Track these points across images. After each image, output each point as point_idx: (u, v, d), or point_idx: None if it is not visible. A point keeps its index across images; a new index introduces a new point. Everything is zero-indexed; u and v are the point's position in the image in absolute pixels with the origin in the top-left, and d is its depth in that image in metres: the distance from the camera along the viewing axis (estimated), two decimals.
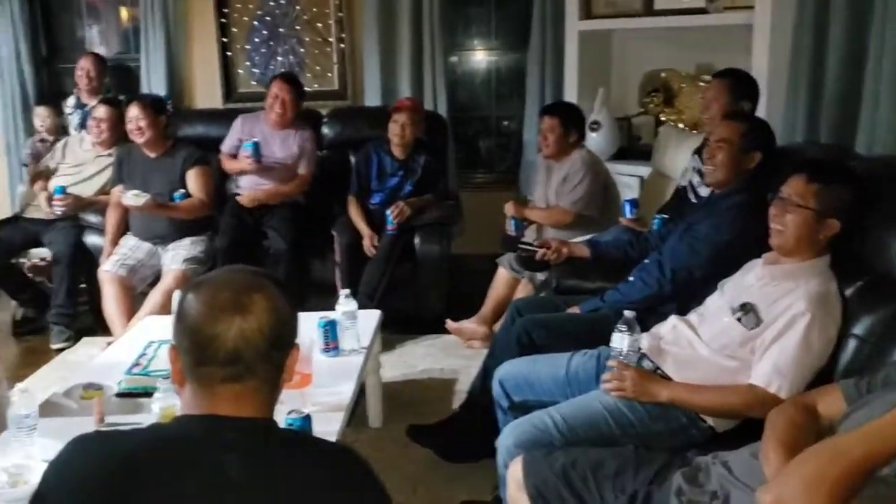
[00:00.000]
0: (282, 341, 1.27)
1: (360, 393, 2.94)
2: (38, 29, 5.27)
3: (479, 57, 5.49)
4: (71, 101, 4.90)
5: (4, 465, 1.98)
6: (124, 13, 5.48)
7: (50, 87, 5.28)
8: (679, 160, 3.71)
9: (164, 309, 3.57)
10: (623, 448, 1.94)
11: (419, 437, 2.89)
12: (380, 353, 3.27)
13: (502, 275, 3.94)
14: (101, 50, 5.24)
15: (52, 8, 5.37)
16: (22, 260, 4.37)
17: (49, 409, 2.32)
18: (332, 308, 2.89)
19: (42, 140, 4.73)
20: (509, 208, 3.91)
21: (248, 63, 5.18)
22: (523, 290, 3.75)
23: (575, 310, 2.74)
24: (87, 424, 2.19)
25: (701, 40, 4.38)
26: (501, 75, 5.46)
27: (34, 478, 1.90)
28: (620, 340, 2.18)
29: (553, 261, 3.17)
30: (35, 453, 2.01)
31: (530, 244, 3.34)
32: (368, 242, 4.03)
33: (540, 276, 3.55)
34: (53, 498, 1.20)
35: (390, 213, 4.03)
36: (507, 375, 2.44)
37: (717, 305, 2.22)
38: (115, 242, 4.09)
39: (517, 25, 5.17)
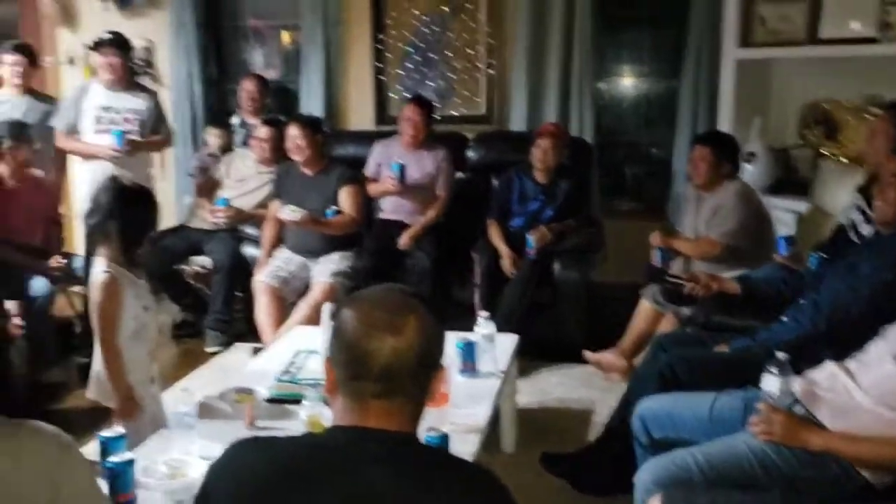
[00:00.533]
0: (430, 361, 1.30)
1: (495, 416, 2.95)
2: (209, 53, 5.65)
3: (629, 83, 5.42)
4: (235, 119, 5.22)
5: (165, 458, 2.12)
6: (286, 37, 5.80)
7: (218, 107, 5.64)
8: (840, 196, 3.52)
9: (312, 320, 3.72)
10: (768, 493, 1.85)
11: (552, 466, 2.86)
12: (516, 377, 3.27)
13: (645, 307, 3.85)
14: (263, 72, 5.56)
15: (222, 33, 5.75)
16: (184, 267, 4.69)
17: (204, 409, 2.45)
18: (469, 329, 2.92)
19: (210, 154, 5.06)
20: (655, 238, 3.82)
21: (399, 87, 5.35)
22: (667, 324, 3.65)
23: (723, 348, 2.64)
24: (238, 426, 2.31)
25: (869, 70, 4.14)
26: (651, 101, 5.36)
27: (192, 472, 2.03)
28: (772, 383, 2.09)
29: (701, 295, 3.07)
30: (193, 449, 2.15)
31: (678, 277, 3.25)
32: (509, 262, 4.06)
33: (685, 311, 3.45)
34: (215, 498, 1.28)
35: (531, 237, 4.04)
36: (647, 411, 2.38)
37: (879, 352, 2.08)
38: (270, 254, 4.31)
39: (670, 52, 5.07)
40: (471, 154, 4.80)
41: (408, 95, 5.18)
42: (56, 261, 3.96)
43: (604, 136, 5.18)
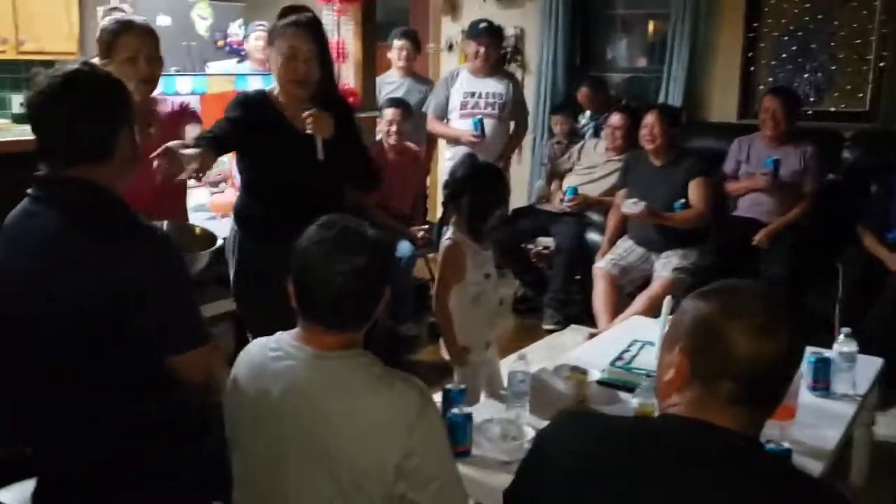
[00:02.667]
0: (791, 373, 1.23)
1: (845, 443, 2.65)
2: (575, 41, 5.77)
3: None
4: (587, 113, 5.30)
5: (498, 418, 2.23)
6: (652, 26, 5.72)
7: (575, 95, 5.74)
8: None
9: (649, 312, 3.65)
10: None
11: None
12: (875, 406, 2.91)
13: None
14: (627, 60, 5.54)
15: (590, 21, 5.83)
16: (530, 246, 4.91)
17: (536, 381, 2.52)
18: (819, 345, 2.65)
19: (557, 143, 5.20)
20: None
21: (770, 79, 5.00)
22: None
23: None
24: (567, 402, 2.35)
25: None
26: None
27: (523, 435, 2.11)
28: None
29: None
30: (524, 415, 2.23)
31: None
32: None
33: None
34: (545, 465, 1.30)
35: None
36: None
37: None
38: (612, 242, 4.32)
39: None
40: (846, 154, 4.35)
41: None
42: (420, 228, 4.37)
43: None
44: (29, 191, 1.69)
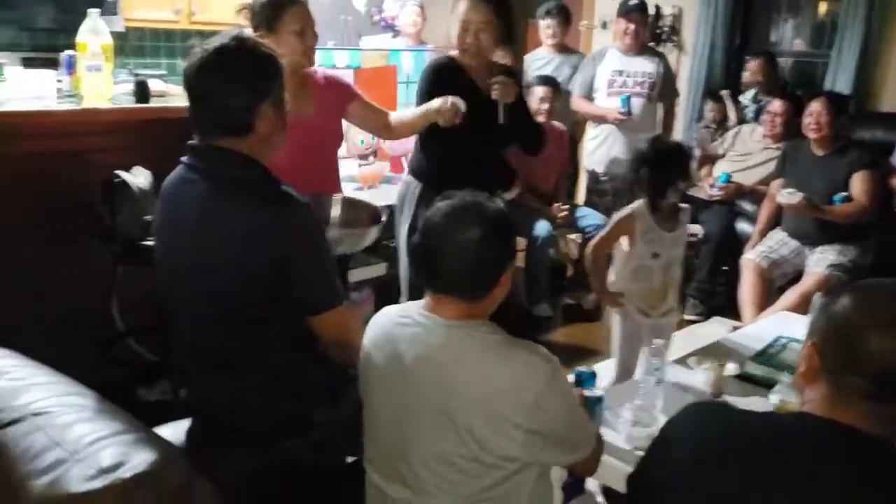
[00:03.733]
0: None
1: None
2: (735, 22, 5.51)
3: None
4: (749, 94, 5.05)
5: (630, 404, 2.21)
6: (822, 7, 5.38)
7: (736, 78, 5.49)
8: None
9: (800, 309, 3.48)
10: None
11: None
12: None
13: None
14: (791, 44, 5.25)
15: (753, 2, 5.55)
16: None
17: (672, 370, 2.48)
18: None
19: (706, 127, 5.00)
20: None
21: None
22: None
23: None
24: (703, 393, 2.30)
25: None
26: None
27: (653, 423, 2.08)
28: None
29: None
30: (657, 403, 2.20)
31: None
32: None
33: None
34: (670, 453, 1.29)
35: None
36: None
37: None
38: (763, 233, 4.14)
39: None
40: None
41: None
42: (560, 209, 4.34)
43: None
44: (184, 158, 1.78)
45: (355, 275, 3.45)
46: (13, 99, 2.85)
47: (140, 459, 1.10)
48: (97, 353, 2.88)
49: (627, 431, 2.08)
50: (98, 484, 1.06)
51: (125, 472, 1.08)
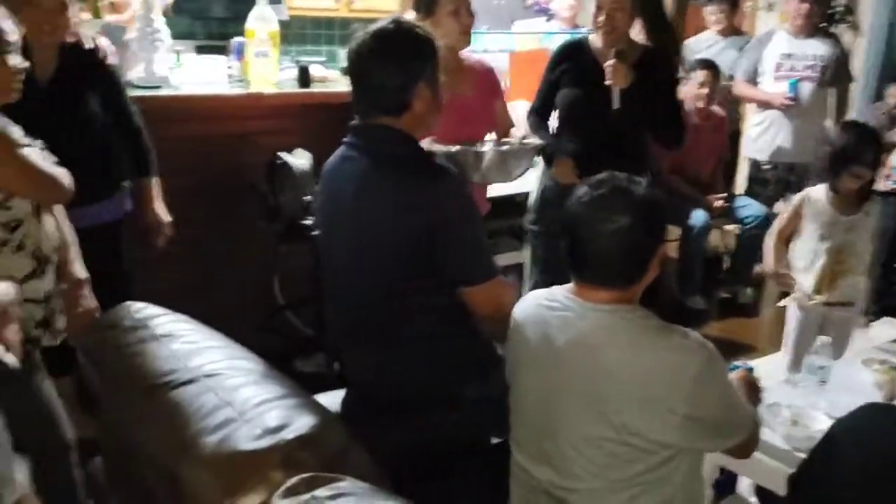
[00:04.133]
0: None
1: None
2: None
3: None
4: None
5: (789, 403, 2.10)
6: None
7: None
8: None
9: None
10: None
11: None
12: None
13: None
14: None
15: None
16: None
17: (838, 371, 2.32)
18: None
19: (883, 113, 4.63)
20: None
21: None
22: None
23: None
24: (874, 396, 2.15)
25: None
26: None
27: (814, 424, 1.97)
28: None
29: None
30: (820, 404, 2.08)
31: None
32: None
33: None
34: (838, 455, 1.22)
35: None
36: None
37: None
38: None
39: None
40: None
41: None
42: (717, 197, 4.17)
43: None
44: (345, 138, 1.86)
45: (503, 259, 3.46)
46: (187, 83, 3.05)
47: (302, 423, 1.15)
48: (258, 324, 3.04)
49: (786, 431, 1.98)
50: (264, 443, 1.12)
51: (288, 434, 1.13)
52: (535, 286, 2.90)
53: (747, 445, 1.62)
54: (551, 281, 1.71)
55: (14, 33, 1.86)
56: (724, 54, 4.57)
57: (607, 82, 2.78)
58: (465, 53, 2.77)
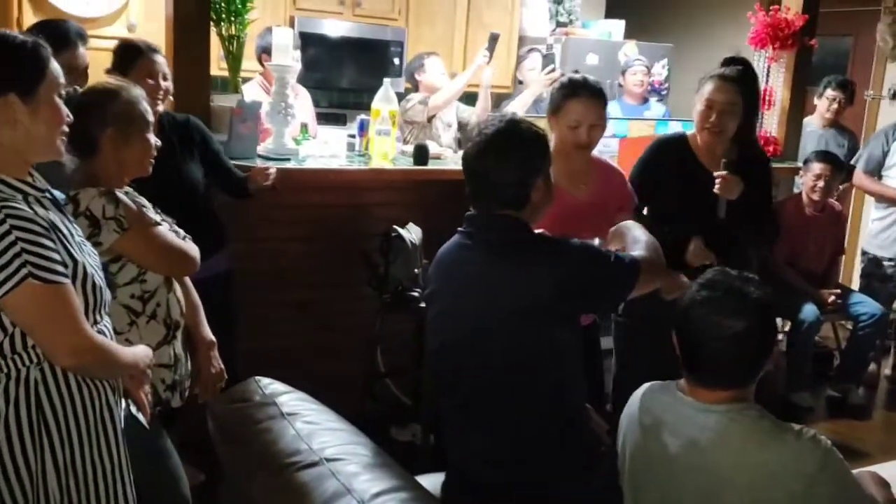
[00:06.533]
0: None
1: None
2: None
3: None
4: None
5: None
6: None
7: None
8: None
9: None
10: None
11: None
12: None
13: None
14: None
15: None
16: None
17: None
18: None
19: None
20: None
21: None
22: None
23: None
24: None
25: None
26: None
27: None
28: None
29: None
30: None
31: None
32: None
33: None
34: None
35: None
36: None
37: None
38: None
39: None
40: None
41: None
42: (831, 292, 4.03)
43: None
44: (460, 228, 1.93)
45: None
46: (313, 156, 3.21)
47: None
48: (359, 389, 3.12)
49: None
50: None
51: None
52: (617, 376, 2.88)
53: None
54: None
55: (150, 113, 2.04)
56: (826, 147, 4.45)
57: (716, 190, 2.70)
58: (596, 156, 2.69)
